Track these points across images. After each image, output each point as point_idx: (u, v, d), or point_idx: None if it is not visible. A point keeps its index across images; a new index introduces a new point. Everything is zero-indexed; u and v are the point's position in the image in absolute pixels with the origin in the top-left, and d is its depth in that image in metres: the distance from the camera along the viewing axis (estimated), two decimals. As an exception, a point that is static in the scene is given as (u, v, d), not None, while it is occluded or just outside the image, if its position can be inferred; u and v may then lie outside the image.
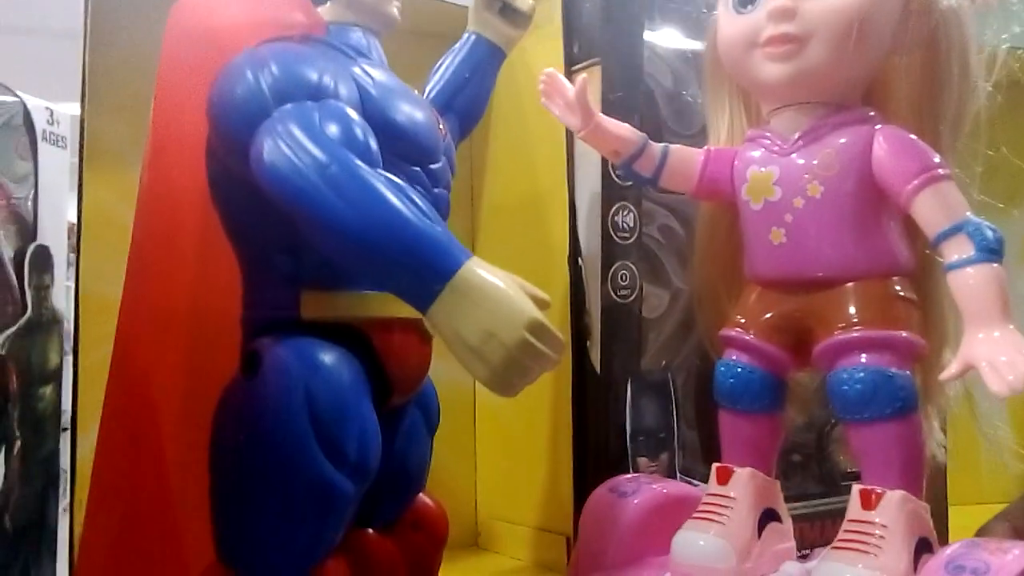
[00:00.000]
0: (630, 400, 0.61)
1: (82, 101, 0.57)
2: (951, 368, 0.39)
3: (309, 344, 0.42)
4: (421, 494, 0.52)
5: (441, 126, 0.49)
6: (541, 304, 0.37)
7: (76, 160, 0.60)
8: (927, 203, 0.41)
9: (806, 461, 0.65)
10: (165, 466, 0.43)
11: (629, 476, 0.52)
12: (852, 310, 0.42)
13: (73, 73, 0.59)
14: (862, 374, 0.41)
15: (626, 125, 0.51)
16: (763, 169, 0.46)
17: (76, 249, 0.58)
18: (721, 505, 0.45)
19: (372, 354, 0.44)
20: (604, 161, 0.61)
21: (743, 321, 0.47)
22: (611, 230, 0.61)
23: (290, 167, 0.37)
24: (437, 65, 0.57)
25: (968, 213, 0.40)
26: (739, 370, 0.46)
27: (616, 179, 0.61)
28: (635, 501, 0.48)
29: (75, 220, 0.60)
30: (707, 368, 0.56)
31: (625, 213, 0.62)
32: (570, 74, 0.64)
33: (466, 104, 0.56)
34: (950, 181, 0.41)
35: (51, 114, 0.73)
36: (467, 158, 0.75)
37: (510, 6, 0.57)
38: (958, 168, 0.45)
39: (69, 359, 0.63)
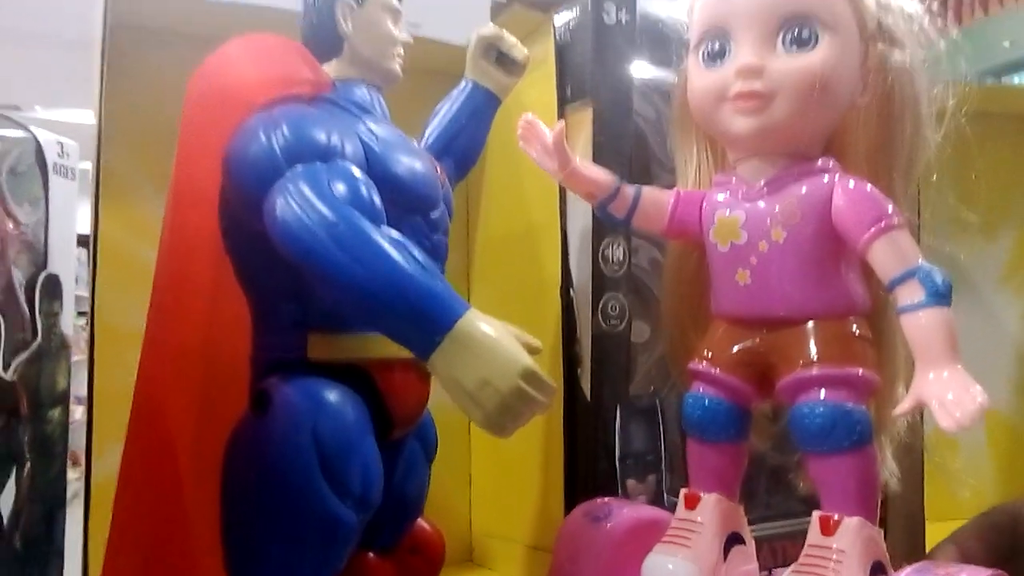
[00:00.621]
0: (619, 424, 0.64)
1: (98, 139, 0.59)
2: (903, 404, 0.42)
3: (315, 384, 0.45)
4: (419, 519, 0.55)
5: (440, 174, 0.52)
6: (533, 350, 0.40)
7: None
8: (882, 250, 0.43)
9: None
10: (181, 498, 0.46)
11: (603, 500, 0.55)
12: (812, 348, 0.45)
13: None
14: (821, 409, 0.43)
15: (601, 169, 0.54)
16: (730, 213, 0.48)
17: (91, 281, 0.60)
18: (689, 530, 0.48)
19: (375, 392, 0.47)
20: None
21: (709, 355, 0.49)
22: (601, 263, 0.64)
23: (300, 225, 0.40)
24: (436, 110, 0.60)
25: (919, 259, 0.43)
26: (706, 402, 0.49)
27: (605, 214, 0.64)
28: (608, 526, 0.51)
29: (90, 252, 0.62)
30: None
31: (615, 246, 0.65)
32: (563, 114, 0.67)
33: (463, 148, 0.59)
34: (903, 229, 0.44)
35: (61, 147, 0.76)
36: (464, 193, 0.78)
37: (506, 55, 0.60)
38: (909, 212, 0.48)
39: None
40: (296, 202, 0.41)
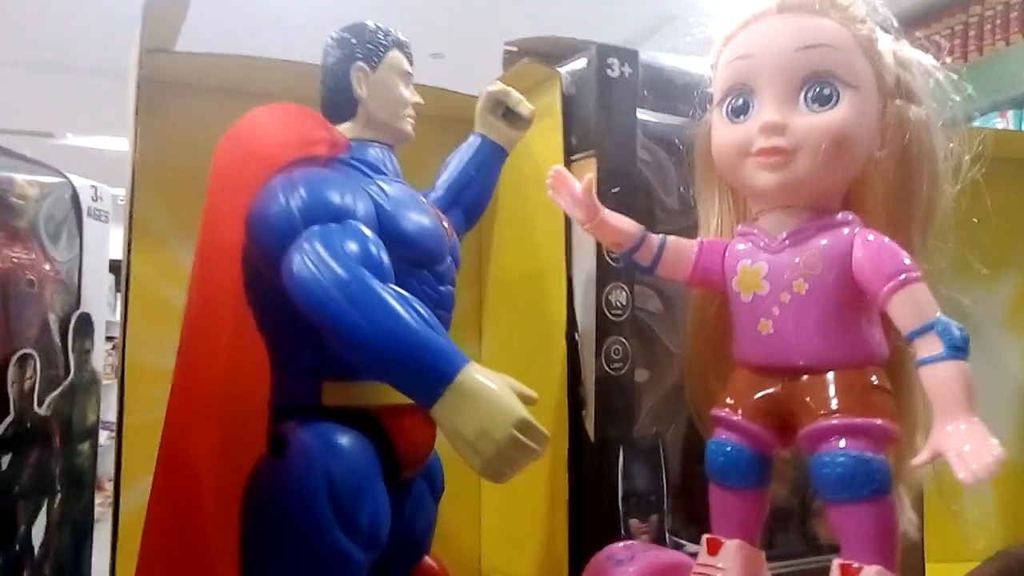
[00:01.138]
0: (622, 465, 0.66)
1: (131, 186, 0.62)
2: (922, 455, 0.43)
3: (329, 428, 0.48)
4: (426, 557, 0.57)
5: (447, 227, 0.55)
6: (528, 400, 0.43)
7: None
8: (901, 303, 0.45)
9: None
10: (204, 534, 0.48)
11: (624, 544, 0.56)
12: (833, 398, 0.46)
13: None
14: (842, 459, 0.45)
15: (627, 219, 0.56)
16: (752, 264, 0.49)
17: (123, 321, 0.63)
18: (710, 574, 0.49)
19: (384, 436, 0.50)
20: (598, 243, 0.66)
21: (731, 402, 0.50)
22: (605, 307, 0.67)
23: (314, 282, 0.43)
24: (446, 162, 0.63)
25: (938, 313, 0.44)
26: (728, 449, 0.50)
27: (610, 260, 0.67)
28: (630, 570, 0.52)
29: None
30: (694, 435, 0.60)
31: (618, 292, 0.67)
32: (569, 164, 0.70)
33: (472, 198, 0.62)
34: (921, 283, 0.45)
35: (95, 191, 0.80)
36: (476, 238, 0.81)
37: (512, 111, 0.63)
38: (926, 263, 0.50)
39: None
40: (311, 260, 0.44)
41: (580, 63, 0.69)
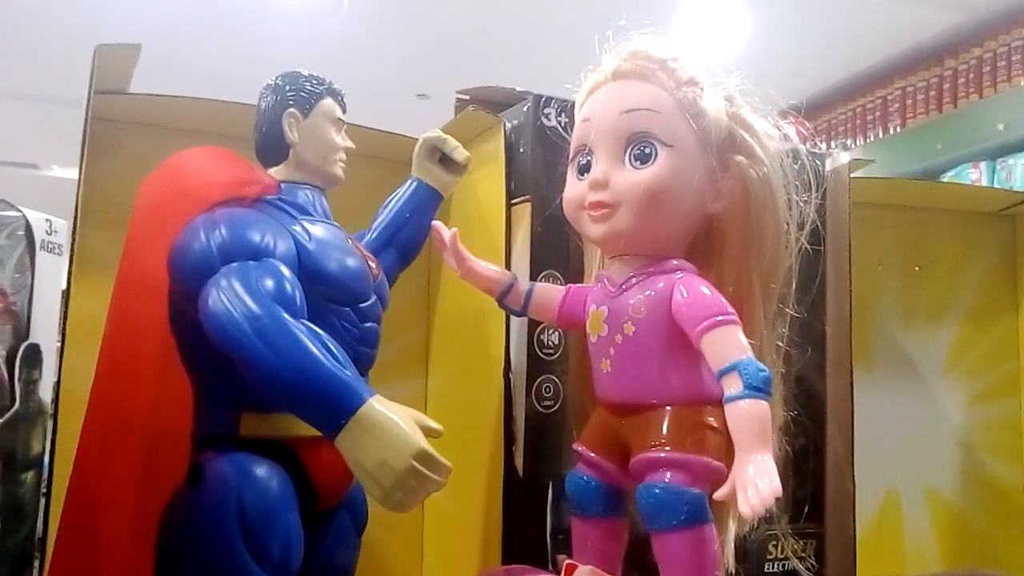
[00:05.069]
0: (551, 501, 0.67)
1: (75, 216, 0.64)
2: (723, 489, 0.45)
3: (245, 459, 0.49)
4: (348, 589, 0.58)
5: (373, 269, 0.57)
6: (432, 433, 0.45)
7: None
8: (711, 344, 0.47)
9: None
10: (116, 557, 0.50)
11: (508, 567, 0.59)
12: (661, 432, 0.49)
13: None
14: (657, 490, 0.47)
15: (495, 268, 0.60)
16: (597, 308, 0.53)
17: (60, 350, 0.64)
18: None
19: (300, 467, 0.51)
20: (533, 285, 0.69)
21: (585, 437, 0.54)
22: (536, 347, 0.69)
23: (228, 316, 0.45)
24: (384, 205, 0.66)
25: (745, 355, 0.46)
26: (580, 480, 0.53)
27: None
28: None
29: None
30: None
31: (550, 331, 0.69)
32: (510, 207, 0.72)
33: (405, 240, 0.65)
34: (733, 326, 0.48)
35: (50, 224, 0.82)
36: (425, 277, 0.84)
37: (448, 157, 0.66)
38: (773, 308, 0.53)
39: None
40: (226, 296, 0.46)
41: (520, 111, 0.72)
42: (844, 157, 0.82)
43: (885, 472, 0.90)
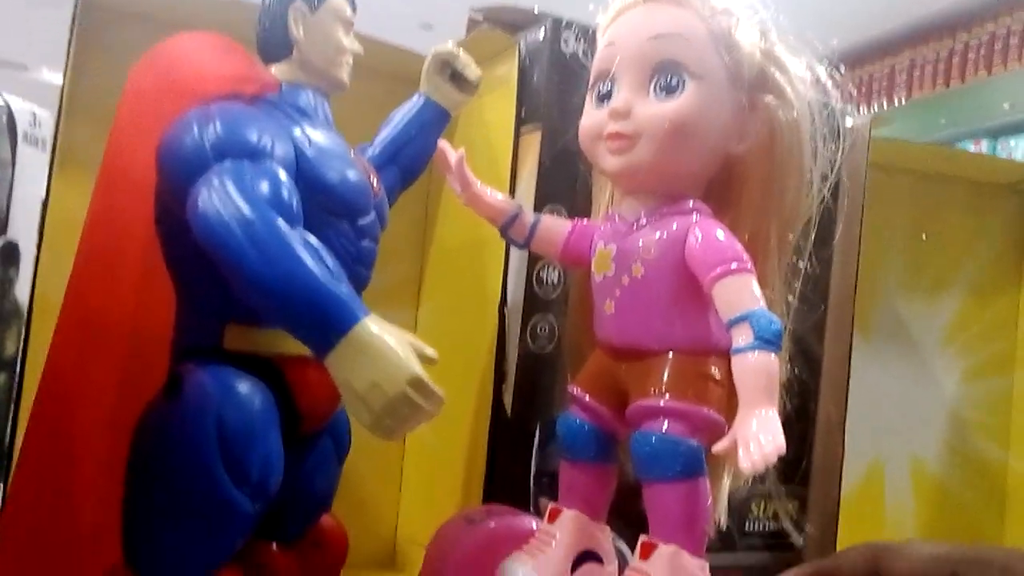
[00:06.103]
0: (537, 444, 0.65)
1: (59, 110, 0.60)
2: (722, 442, 0.43)
3: (226, 372, 0.46)
4: (326, 515, 0.56)
5: (375, 184, 0.54)
6: (427, 360, 0.42)
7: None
8: (722, 292, 0.45)
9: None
10: (85, 468, 0.47)
11: (487, 507, 0.57)
12: (662, 380, 0.47)
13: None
14: (654, 439, 0.45)
15: (501, 196, 0.57)
16: (605, 246, 0.50)
17: (36, 249, 0.61)
18: (545, 542, 0.50)
19: (286, 387, 0.48)
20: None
21: (582, 379, 0.52)
22: (535, 284, 0.66)
23: (218, 219, 0.42)
24: (388, 119, 0.62)
25: (758, 306, 0.44)
26: (572, 423, 0.51)
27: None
28: (476, 528, 0.53)
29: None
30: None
31: (551, 268, 0.67)
32: (518, 135, 0.69)
33: (409, 158, 0.61)
34: (747, 275, 0.45)
35: (34, 117, 0.78)
36: (423, 205, 0.80)
37: (459, 74, 0.62)
38: (787, 260, 0.51)
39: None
40: (217, 196, 0.42)
41: (537, 35, 0.68)
42: (865, 115, 0.80)
43: (872, 440, 0.89)
